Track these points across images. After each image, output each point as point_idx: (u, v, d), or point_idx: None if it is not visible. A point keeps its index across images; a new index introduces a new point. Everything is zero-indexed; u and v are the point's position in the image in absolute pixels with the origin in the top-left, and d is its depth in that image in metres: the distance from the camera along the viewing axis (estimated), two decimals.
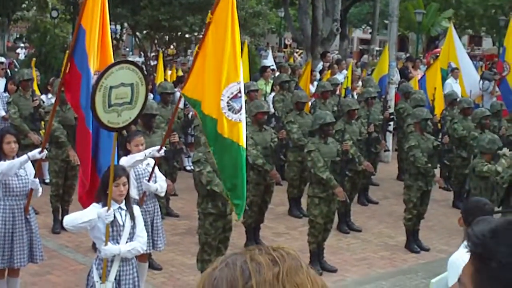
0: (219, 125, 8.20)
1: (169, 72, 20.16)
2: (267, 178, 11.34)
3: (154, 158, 8.89)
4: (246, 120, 8.90)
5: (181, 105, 11.44)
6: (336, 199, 10.64)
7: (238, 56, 8.38)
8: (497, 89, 19.55)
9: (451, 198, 14.63)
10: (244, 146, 8.35)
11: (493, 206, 7.15)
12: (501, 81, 20.25)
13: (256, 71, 20.78)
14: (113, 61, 7.99)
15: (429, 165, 11.64)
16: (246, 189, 8.53)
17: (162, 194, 9.53)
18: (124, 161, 8.46)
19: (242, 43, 12.11)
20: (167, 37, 24.84)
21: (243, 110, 8.39)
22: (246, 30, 27.61)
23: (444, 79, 18.89)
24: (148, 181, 8.87)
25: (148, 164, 9.01)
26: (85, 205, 7.57)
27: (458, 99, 15.42)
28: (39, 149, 8.28)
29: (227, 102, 8.14)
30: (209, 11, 8.45)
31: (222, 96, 8.13)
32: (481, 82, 21.34)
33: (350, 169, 11.45)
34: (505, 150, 10.51)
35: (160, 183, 9.05)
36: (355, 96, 17.10)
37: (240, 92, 8.28)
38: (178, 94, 13.46)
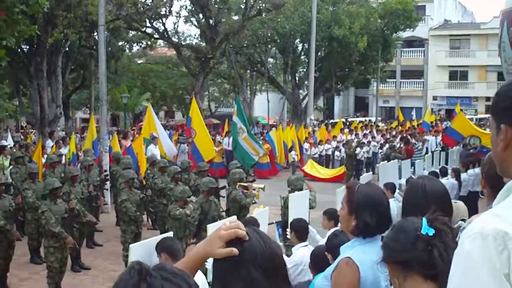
0: None
1: None
2: (8, 236, 10.85)
3: None
4: None
5: None
6: (67, 246, 10.52)
7: None
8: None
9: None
10: None
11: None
12: (192, 143, 21.08)
13: None
14: None
15: (138, 213, 11.86)
16: None
17: None
18: None
19: None
20: None
21: None
22: None
23: (147, 146, 19.24)
24: None
25: None
26: None
27: (156, 160, 15.64)
28: None
29: None
30: None
31: None
32: (178, 145, 21.99)
33: (77, 221, 11.35)
34: (193, 198, 10.97)
35: None
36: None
37: None
38: None
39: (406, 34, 45.46)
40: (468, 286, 1.78)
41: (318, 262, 5.69)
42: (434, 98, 55.58)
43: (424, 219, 2.57)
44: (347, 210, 3.58)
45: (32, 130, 34.88)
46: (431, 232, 2.50)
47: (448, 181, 13.62)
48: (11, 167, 15.81)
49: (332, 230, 6.66)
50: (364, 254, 3.34)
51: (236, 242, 2.12)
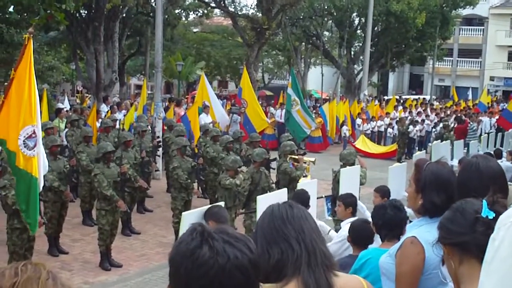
0: (16, 159, 8.06)
1: None
2: (62, 197, 11.08)
3: None
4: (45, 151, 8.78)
5: None
6: (119, 210, 10.65)
7: (33, 104, 8.16)
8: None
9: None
10: (37, 176, 8.18)
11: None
12: (244, 114, 21.08)
13: (53, 112, 20.10)
14: None
15: (189, 180, 11.93)
16: (38, 210, 8.36)
17: None
18: None
19: (42, 91, 11.76)
20: None
21: (38, 147, 8.24)
22: (43, 80, 26.76)
23: (199, 114, 19.26)
24: None
25: None
26: None
27: (209, 129, 15.44)
28: None
29: (23, 141, 8.03)
30: (13, 68, 8.25)
31: (19, 136, 8.01)
32: (231, 115, 21.98)
33: (129, 186, 11.50)
34: (243, 168, 10.94)
35: None
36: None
37: (34, 133, 8.13)
38: None
39: (466, 11, 44.29)
40: (495, 272, 1.81)
41: (355, 236, 5.61)
42: (491, 78, 54.23)
43: (484, 201, 2.49)
44: (414, 188, 3.50)
45: (87, 95, 35.48)
46: (492, 215, 2.41)
47: (502, 164, 13.27)
48: (66, 129, 16.08)
49: None
50: (429, 234, 3.24)
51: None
